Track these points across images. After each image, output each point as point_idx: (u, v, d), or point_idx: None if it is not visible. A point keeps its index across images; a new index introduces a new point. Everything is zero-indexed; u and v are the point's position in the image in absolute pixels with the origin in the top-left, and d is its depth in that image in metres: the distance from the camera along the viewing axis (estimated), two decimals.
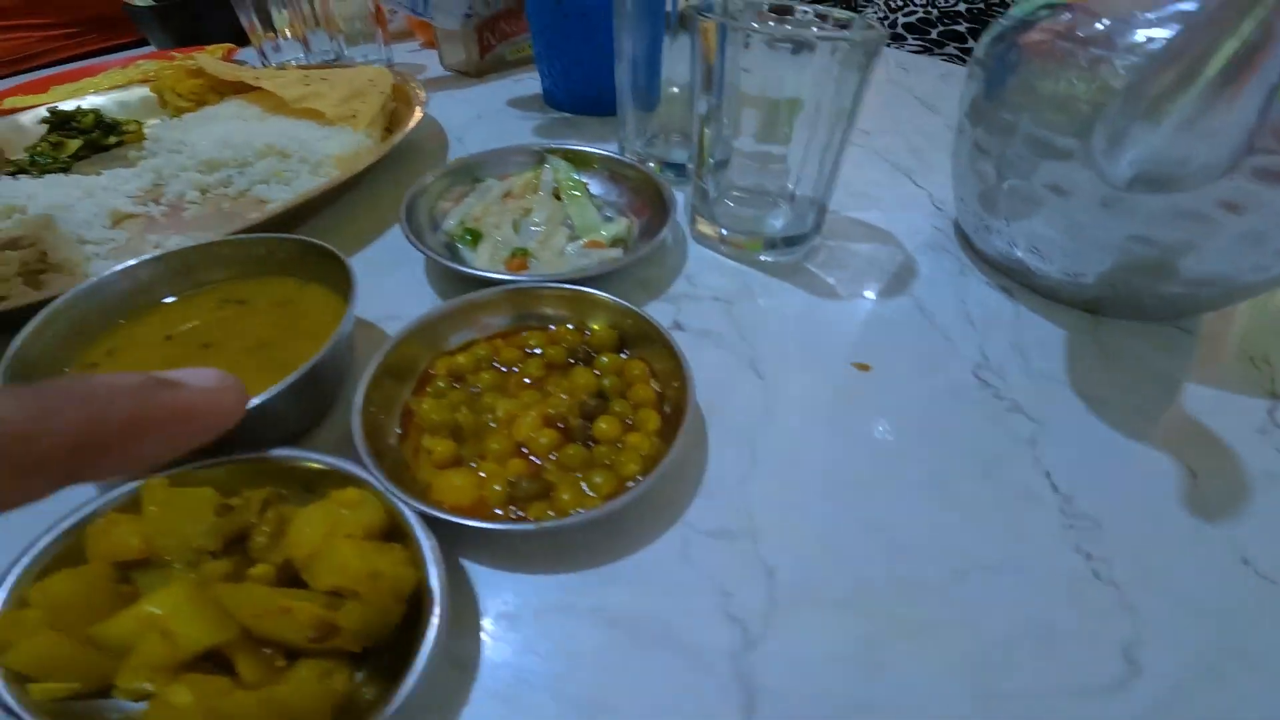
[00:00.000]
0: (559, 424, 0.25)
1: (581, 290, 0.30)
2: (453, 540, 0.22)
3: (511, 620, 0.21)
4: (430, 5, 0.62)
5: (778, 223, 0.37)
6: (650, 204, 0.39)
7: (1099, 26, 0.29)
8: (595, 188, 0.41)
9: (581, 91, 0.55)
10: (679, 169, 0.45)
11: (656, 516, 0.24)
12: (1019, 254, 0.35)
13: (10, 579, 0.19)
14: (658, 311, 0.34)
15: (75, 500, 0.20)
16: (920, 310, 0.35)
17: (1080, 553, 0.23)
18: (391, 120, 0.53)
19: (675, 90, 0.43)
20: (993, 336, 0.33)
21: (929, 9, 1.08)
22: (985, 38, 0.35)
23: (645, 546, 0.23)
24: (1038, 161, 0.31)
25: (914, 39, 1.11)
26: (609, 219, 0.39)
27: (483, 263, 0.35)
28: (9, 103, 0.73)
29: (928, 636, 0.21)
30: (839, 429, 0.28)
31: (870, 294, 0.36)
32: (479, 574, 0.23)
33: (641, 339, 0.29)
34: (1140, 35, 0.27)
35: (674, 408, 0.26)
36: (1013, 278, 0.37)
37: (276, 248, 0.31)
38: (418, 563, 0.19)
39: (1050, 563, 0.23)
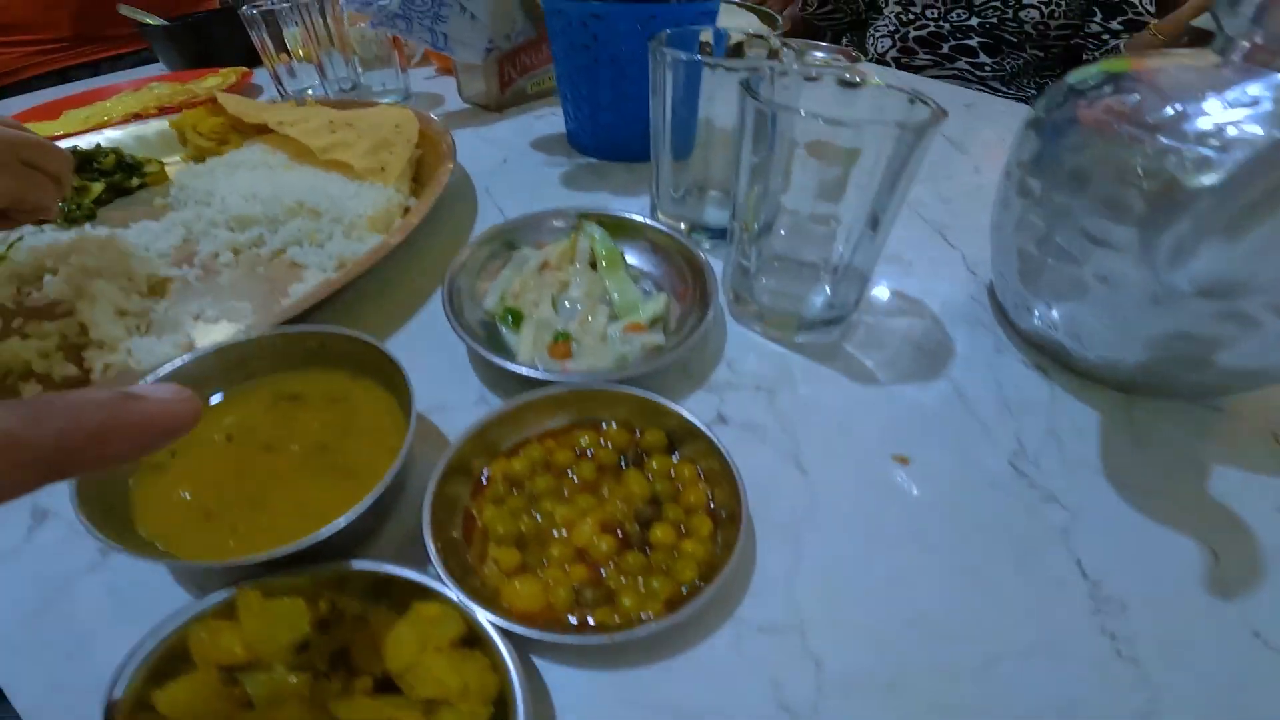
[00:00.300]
0: (616, 530, 0.27)
1: (630, 392, 0.30)
2: (524, 642, 0.23)
3: (584, 717, 0.23)
4: (450, 41, 0.61)
5: (818, 300, 0.37)
6: (687, 274, 0.39)
7: (1168, 112, 0.27)
8: (631, 254, 0.41)
9: (608, 137, 0.55)
10: (717, 234, 0.45)
11: (710, 614, 0.26)
12: (1058, 336, 0.35)
13: (123, 681, 0.21)
14: (701, 403, 0.34)
15: (172, 607, 0.23)
16: (959, 396, 0.36)
17: (1105, 634, 0.25)
18: (418, 168, 0.53)
19: (715, 131, 0.42)
20: (1029, 422, 0.34)
21: (940, 23, 1.06)
22: (1041, 104, 0.34)
23: (700, 642, 0.25)
24: (1090, 250, 0.30)
25: (925, 53, 1.09)
26: (647, 294, 0.39)
27: (526, 349, 0.35)
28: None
29: (963, 718, 0.23)
30: (880, 523, 0.29)
31: (909, 379, 0.36)
32: (549, 670, 0.24)
33: (689, 436, 0.30)
34: (1208, 122, 0.26)
35: (727, 513, 0.27)
36: (1048, 355, 0.38)
37: (328, 340, 0.31)
38: (498, 667, 0.22)
39: (1077, 645, 0.25)
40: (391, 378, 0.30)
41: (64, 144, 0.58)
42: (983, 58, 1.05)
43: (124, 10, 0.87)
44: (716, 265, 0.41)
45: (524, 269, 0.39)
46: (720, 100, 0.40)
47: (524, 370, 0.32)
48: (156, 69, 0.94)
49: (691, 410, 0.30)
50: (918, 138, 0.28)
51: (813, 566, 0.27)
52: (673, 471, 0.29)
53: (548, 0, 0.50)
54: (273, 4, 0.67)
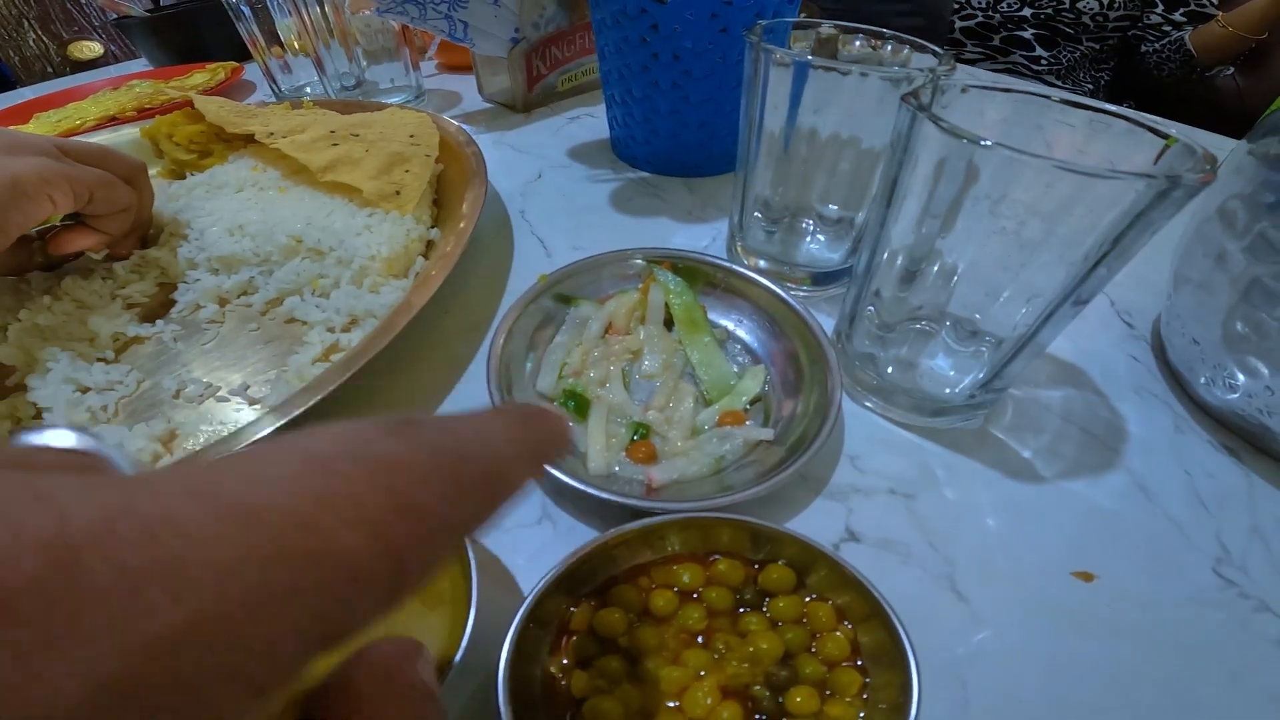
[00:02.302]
0: (743, 699, 0.21)
1: (741, 520, 0.23)
2: None
3: None
4: (471, 30, 0.52)
5: (969, 380, 0.29)
6: (786, 333, 0.31)
7: None
8: (713, 310, 0.33)
9: (665, 148, 0.46)
10: (820, 279, 0.36)
11: None
12: (1270, 423, 0.28)
13: None
14: (824, 517, 0.27)
15: None
16: (1142, 492, 0.29)
17: None
18: (439, 187, 0.44)
19: (820, 144, 0.32)
20: (1229, 519, 0.28)
21: (990, 13, 0.96)
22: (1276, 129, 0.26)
23: None
24: None
25: (973, 45, 1.00)
26: (739, 364, 0.31)
27: (598, 452, 0.27)
28: None
29: None
30: (1063, 654, 0.24)
31: (1079, 472, 0.29)
32: None
33: (816, 563, 0.23)
34: None
35: (878, 661, 0.21)
36: (1242, 436, 0.30)
37: None
38: None
39: None
40: None
41: None
42: (1038, 50, 0.97)
43: (100, 0, 0.78)
44: (828, 327, 0.33)
45: (584, 334, 0.31)
46: (835, 108, 0.31)
47: (603, 495, 0.24)
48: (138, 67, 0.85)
49: (813, 525, 0.25)
50: (1183, 198, 0.20)
51: (983, 709, 0.22)
52: (805, 614, 0.23)
53: None
54: None
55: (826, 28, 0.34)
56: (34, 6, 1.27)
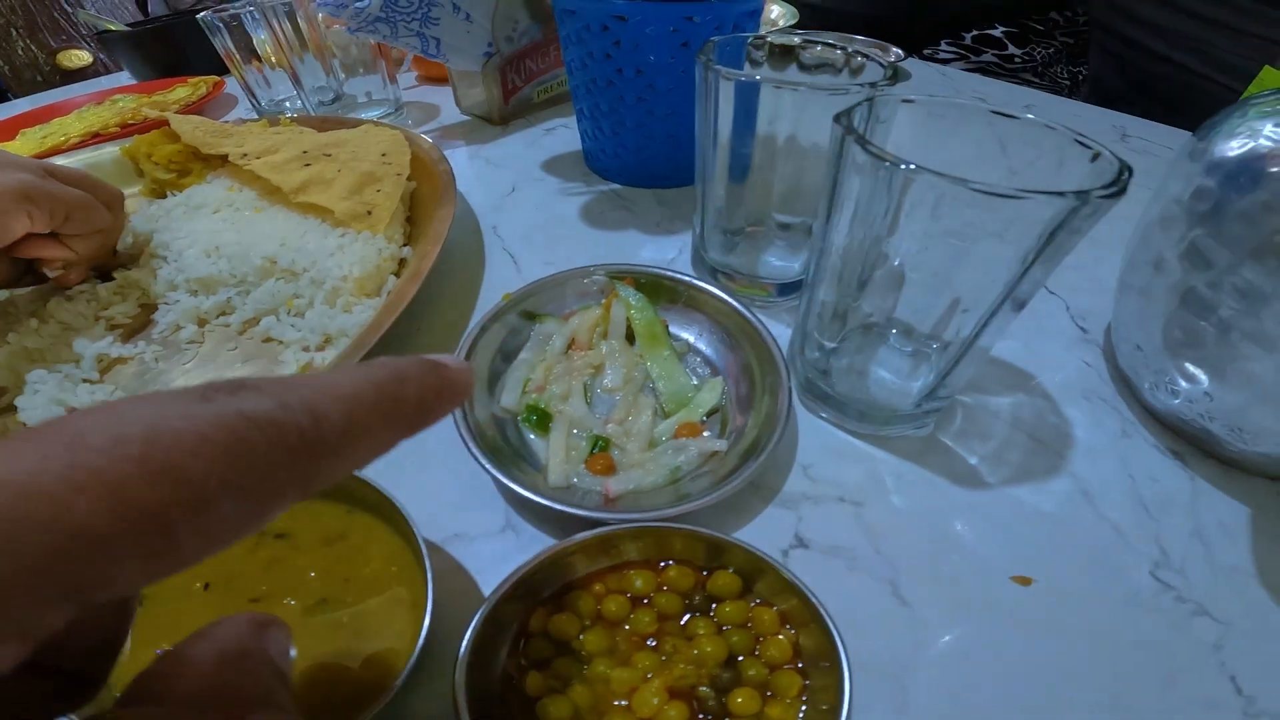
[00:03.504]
0: (688, 699, 0.22)
1: (692, 530, 0.24)
2: None
3: None
4: (444, 47, 0.52)
5: (917, 386, 0.30)
6: (742, 346, 0.32)
7: None
8: (673, 322, 0.34)
9: (633, 160, 0.47)
10: (788, 288, 0.37)
11: None
12: (1207, 424, 0.29)
13: None
14: (775, 525, 0.28)
15: None
16: (1085, 497, 0.30)
17: None
18: (412, 204, 0.45)
19: (778, 153, 0.33)
20: (1170, 524, 0.28)
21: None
22: (1215, 134, 0.27)
23: None
24: None
25: (946, 45, 1.00)
26: (698, 376, 0.32)
27: (558, 464, 0.28)
28: None
29: None
30: (1002, 659, 0.24)
31: (1024, 478, 0.30)
32: None
33: (763, 570, 0.24)
34: None
35: (817, 663, 0.22)
36: (1186, 439, 0.31)
37: None
38: None
39: None
40: (391, 514, 0.25)
41: None
42: (1010, 49, 0.96)
43: (83, 16, 0.78)
44: (784, 340, 0.34)
45: (547, 350, 0.32)
46: (788, 120, 0.32)
47: (560, 507, 0.25)
48: (125, 79, 0.85)
49: (764, 533, 0.26)
50: (1095, 212, 0.21)
51: (923, 714, 0.23)
52: (750, 619, 0.24)
53: (559, 2, 0.42)
54: (235, 8, 0.58)
55: (777, 38, 0.35)
56: (21, 15, 1.28)
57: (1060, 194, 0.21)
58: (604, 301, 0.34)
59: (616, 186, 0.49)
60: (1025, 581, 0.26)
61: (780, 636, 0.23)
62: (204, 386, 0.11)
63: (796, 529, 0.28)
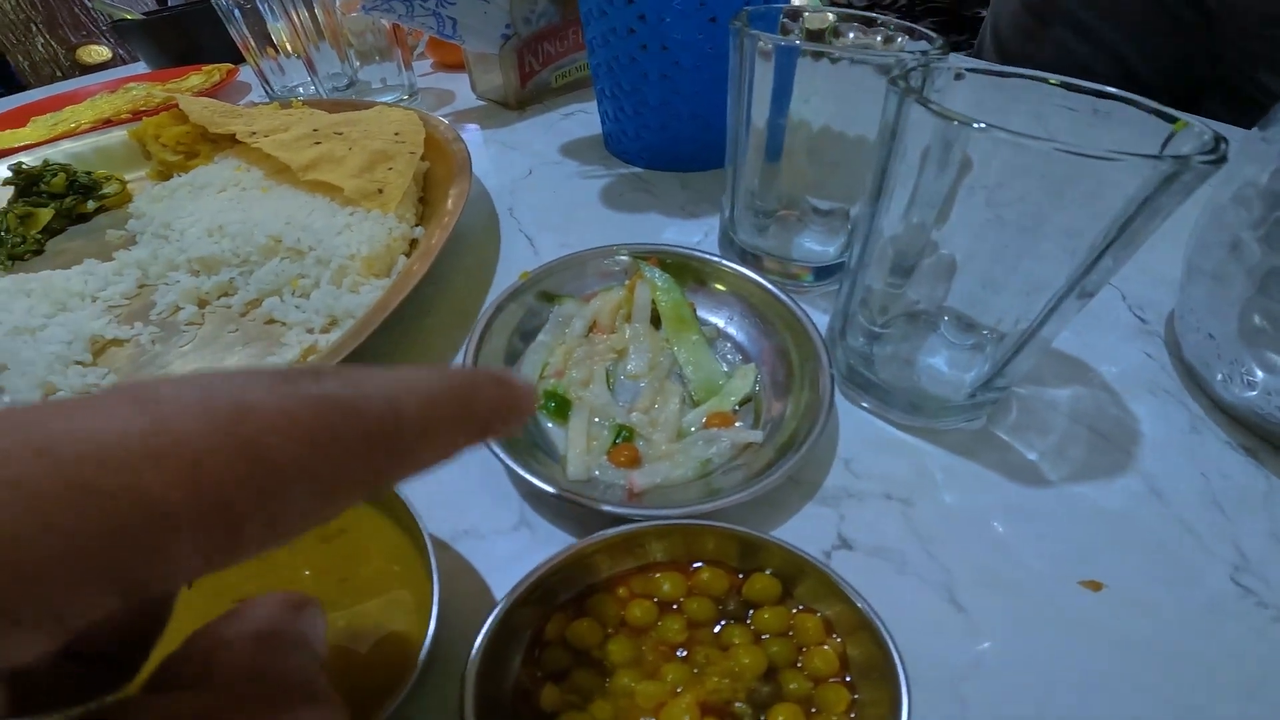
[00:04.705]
0: (722, 716, 0.20)
1: (724, 528, 0.22)
2: None
3: None
4: (460, 28, 0.51)
5: (971, 378, 0.27)
6: (777, 330, 0.30)
7: None
8: (702, 305, 0.32)
9: (656, 141, 0.45)
10: (825, 272, 0.35)
11: None
12: None
13: None
14: (815, 523, 0.26)
15: None
16: (1155, 495, 0.27)
17: None
18: (425, 185, 0.43)
19: (812, 134, 0.31)
20: (1247, 524, 0.26)
21: None
22: None
23: None
24: None
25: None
26: (729, 363, 0.30)
27: (578, 455, 0.26)
28: None
29: None
30: (1068, 668, 0.22)
31: (1088, 475, 0.27)
32: None
33: (804, 572, 0.22)
34: None
35: (866, 676, 0.20)
36: (1261, 436, 0.29)
37: None
38: None
39: None
40: (396, 510, 0.22)
41: (11, 159, 0.49)
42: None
43: (99, 5, 0.78)
44: (821, 324, 0.31)
45: (567, 333, 0.30)
46: (827, 96, 0.30)
47: (582, 501, 0.23)
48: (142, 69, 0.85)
49: (803, 533, 0.24)
50: (1193, 182, 0.18)
51: None
52: (791, 626, 0.22)
53: None
54: None
55: (813, 14, 0.33)
56: (41, 11, 1.29)
57: (1157, 157, 0.18)
58: (627, 283, 0.32)
59: (638, 170, 0.47)
60: (1096, 587, 0.24)
61: (825, 646, 0.21)
62: (285, 369, 0.10)
63: (839, 528, 0.25)
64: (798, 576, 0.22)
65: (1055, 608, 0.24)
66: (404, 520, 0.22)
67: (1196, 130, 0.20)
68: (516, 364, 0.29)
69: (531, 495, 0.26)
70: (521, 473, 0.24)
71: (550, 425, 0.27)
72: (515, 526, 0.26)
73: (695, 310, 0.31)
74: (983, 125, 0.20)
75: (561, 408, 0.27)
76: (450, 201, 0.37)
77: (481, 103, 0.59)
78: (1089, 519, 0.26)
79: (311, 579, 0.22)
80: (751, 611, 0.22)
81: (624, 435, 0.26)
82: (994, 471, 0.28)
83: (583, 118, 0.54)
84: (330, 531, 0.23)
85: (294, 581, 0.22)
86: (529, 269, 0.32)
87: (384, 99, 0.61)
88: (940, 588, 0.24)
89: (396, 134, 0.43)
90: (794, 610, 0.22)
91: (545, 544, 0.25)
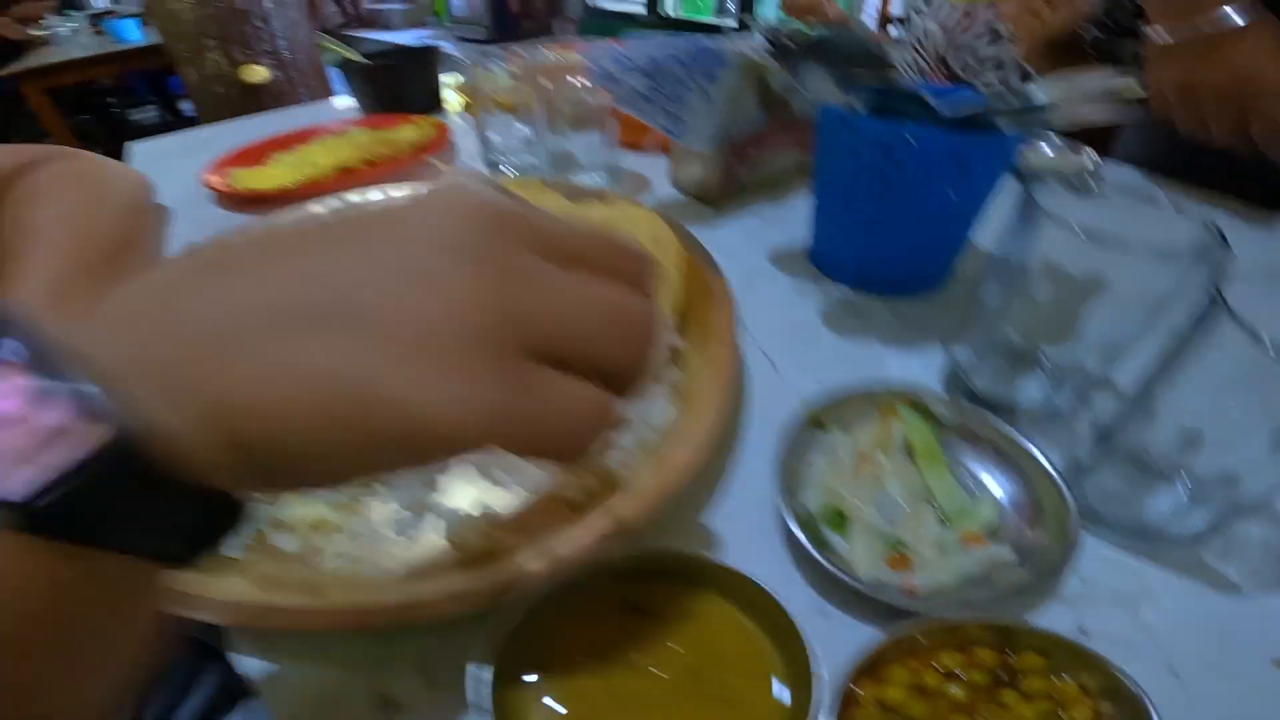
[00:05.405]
0: None
1: (996, 622, 0.29)
2: None
3: None
4: (687, 127, 0.58)
5: (1194, 520, 0.34)
6: (1014, 464, 0.37)
7: None
8: (948, 443, 0.39)
9: (869, 264, 0.52)
10: (1053, 419, 0.40)
11: None
12: None
13: None
14: (1056, 617, 0.32)
15: None
16: None
17: None
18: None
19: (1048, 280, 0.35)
20: None
21: None
22: None
23: None
24: None
25: None
26: (971, 495, 0.37)
27: (863, 561, 0.33)
28: (240, 179, 0.73)
29: None
30: None
31: None
32: None
33: (1058, 651, 0.29)
34: None
35: None
36: None
37: (686, 562, 0.31)
38: None
39: None
40: (733, 590, 0.30)
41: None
42: None
43: (326, 41, 0.86)
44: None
45: (837, 460, 0.38)
46: (1087, 260, 0.34)
47: (892, 600, 0.31)
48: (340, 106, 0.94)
49: (1049, 625, 0.29)
50: None
51: None
52: (1051, 690, 0.28)
53: (831, 111, 0.47)
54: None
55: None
56: (215, 27, 1.38)
57: None
58: (883, 418, 0.39)
59: (844, 287, 0.53)
60: None
61: (1089, 704, 0.27)
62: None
63: (1078, 622, 0.32)
64: (1053, 651, 0.29)
65: (1257, 683, 0.29)
66: (745, 601, 0.29)
67: None
68: (797, 480, 0.37)
69: (820, 584, 0.33)
70: (855, 585, 0.31)
71: (831, 534, 0.35)
72: (815, 612, 0.32)
73: (942, 445, 0.39)
74: None
75: (841, 521, 0.35)
76: (728, 351, 0.40)
77: (675, 191, 0.66)
78: None
79: (686, 651, 0.29)
80: (1019, 678, 0.28)
81: (898, 548, 0.34)
82: (1203, 585, 0.33)
83: (779, 224, 0.61)
84: (685, 614, 0.30)
85: (674, 652, 0.29)
86: (773, 390, 0.42)
87: (584, 177, 0.68)
88: (1163, 665, 0.30)
89: (655, 239, 0.47)
90: (1053, 678, 0.28)
91: (840, 631, 0.32)
